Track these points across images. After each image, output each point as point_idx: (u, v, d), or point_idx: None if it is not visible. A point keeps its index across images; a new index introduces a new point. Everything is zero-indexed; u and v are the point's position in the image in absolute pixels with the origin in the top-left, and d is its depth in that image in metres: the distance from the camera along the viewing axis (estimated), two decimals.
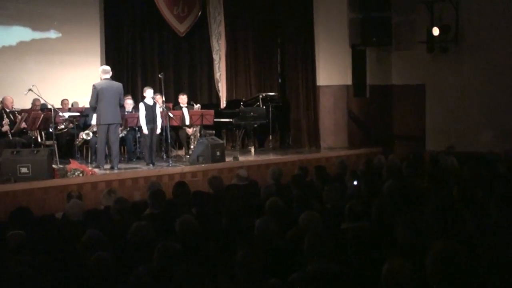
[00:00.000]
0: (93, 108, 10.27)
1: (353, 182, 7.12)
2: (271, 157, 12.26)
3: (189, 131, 12.15)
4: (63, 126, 11.43)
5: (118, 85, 10.37)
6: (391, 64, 14.37)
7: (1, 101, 10.52)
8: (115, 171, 10.07)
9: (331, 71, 13.66)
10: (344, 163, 8.99)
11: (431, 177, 7.45)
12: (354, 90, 13.88)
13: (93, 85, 10.09)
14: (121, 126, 11.40)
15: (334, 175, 8.42)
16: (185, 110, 12.22)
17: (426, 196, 6.31)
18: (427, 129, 13.74)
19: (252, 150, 13.08)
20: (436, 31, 12.95)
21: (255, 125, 13.26)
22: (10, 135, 9.97)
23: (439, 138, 13.11)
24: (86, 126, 11.29)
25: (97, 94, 9.97)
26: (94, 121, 10.69)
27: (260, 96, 13.63)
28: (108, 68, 10.47)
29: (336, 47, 13.57)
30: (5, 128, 9.93)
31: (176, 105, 12.78)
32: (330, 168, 8.96)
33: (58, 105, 11.79)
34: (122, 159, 11.55)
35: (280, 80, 14.74)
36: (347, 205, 5.50)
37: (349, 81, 13.73)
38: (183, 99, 12.54)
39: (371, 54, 14.08)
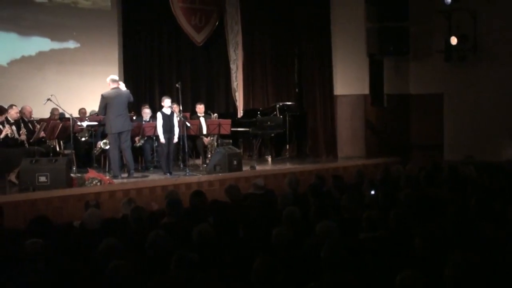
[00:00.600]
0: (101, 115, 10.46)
1: (370, 192, 7.09)
2: (288, 166, 12.26)
3: (206, 140, 12.18)
4: (87, 136, 11.53)
5: (126, 92, 10.50)
6: (409, 73, 14.34)
7: (20, 110, 10.61)
8: (132, 179, 10.13)
9: (349, 81, 13.66)
10: (362, 172, 8.97)
11: (450, 187, 7.41)
12: (372, 99, 13.87)
13: (102, 95, 10.27)
14: (138, 135, 11.49)
15: (352, 185, 8.39)
16: (202, 120, 12.26)
17: (444, 206, 6.27)
18: (445, 138, 13.69)
19: (269, 159, 13.07)
20: (454, 41, 12.92)
21: (272, 135, 13.26)
22: (27, 144, 10.03)
23: (458, 148, 13.04)
24: (104, 135, 11.36)
25: (106, 103, 10.11)
26: None
27: (277, 106, 13.62)
28: (116, 77, 10.66)
29: (353, 56, 13.58)
30: (23, 137, 10.00)
31: (194, 114, 12.83)
32: (347, 177, 8.93)
33: (76, 114, 11.84)
34: (140, 168, 11.62)
35: (297, 90, 14.74)
36: (365, 215, 5.47)
37: (366, 91, 13.72)
38: (200, 108, 12.60)
39: (388, 64, 14.06)
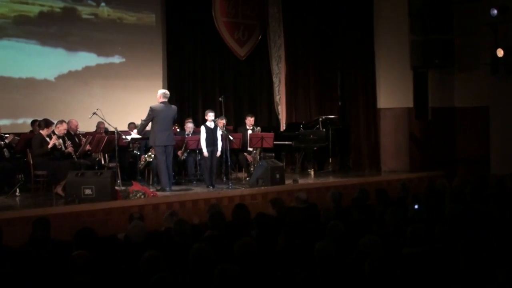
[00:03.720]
0: (143, 128, 10.55)
1: (414, 206, 7.00)
2: (331, 180, 12.19)
3: (249, 157, 12.18)
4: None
5: (174, 108, 10.66)
6: (454, 86, 14.14)
7: (67, 124, 10.80)
8: (176, 192, 10.18)
9: (392, 94, 13.54)
10: (406, 186, 8.85)
11: (496, 201, 7.26)
12: (416, 112, 13.69)
13: (151, 107, 10.35)
14: (181, 149, 11.59)
15: (396, 199, 8.30)
16: (249, 132, 12.31)
17: (491, 221, 6.15)
18: (492, 152, 13.42)
19: (312, 173, 13.02)
20: (500, 53, 12.70)
21: (315, 148, 13.21)
22: (75, 157, 10.21)
23: (504, 161, 12.77)
24: (148, 148, 11.49)
25: (153, 116, 10.23)
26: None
27: (320, 119, 13.60)
28: (168, 93, 10.73)
29: (397, 69, 13.46)
30: (70, 149, 10.18)
31: (240, 126, 12.90)
32: (391, 191, 8.83)
33: (120, 127, 11.82)
34: (183, 181, 11.69)
35: (340, 103, 14.68)
36: (409, 229, 5.40)
37: (410, 104, 13.57)
38: (250, 120, 12.65)
39: (433, 76, 13.89)
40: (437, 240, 5.29)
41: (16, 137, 10.84)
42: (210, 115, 10.94)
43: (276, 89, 15.50)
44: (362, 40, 13.90)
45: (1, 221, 7.51)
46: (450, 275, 4.45)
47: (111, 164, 11.13)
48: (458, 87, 14.09)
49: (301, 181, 11.63)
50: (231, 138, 11.19)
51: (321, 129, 13.38)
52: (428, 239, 5.33)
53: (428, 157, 13.71)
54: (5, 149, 10.63)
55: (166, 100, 10.47)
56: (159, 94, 10.49)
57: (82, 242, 5.48)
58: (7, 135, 10.94)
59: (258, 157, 12.15)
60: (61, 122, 10.36)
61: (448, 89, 14.09)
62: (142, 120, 10.66)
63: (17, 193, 9.89)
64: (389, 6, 13.45)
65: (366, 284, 4.25)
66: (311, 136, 13.19)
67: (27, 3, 12.98)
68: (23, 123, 12.66)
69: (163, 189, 10.25)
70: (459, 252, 4.54)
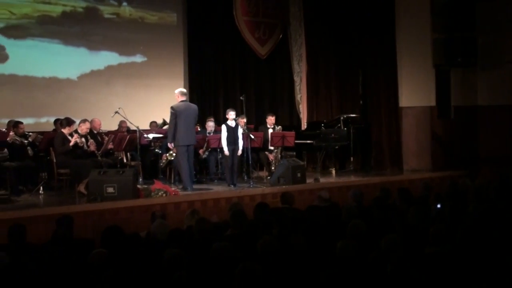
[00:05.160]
0: (172, 132, 10.27)
1: (437, 205, 6.95)
2: (353, 179, 12.14)
3: (270, 156, 12.17)
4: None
5: (194, 107, 10.61)
6: (477, 84, 14.01)
7: (90, 123, 10.87)
8: (190, 191, 10.13)
9: (414, 92, 13.43)
10: (428, 185, 8.80)
11: None
12: (438, 111, 13.59)
13: (172, 107, 10.28)
14: (203, 148, 11.61)
15: (418, 198, 8.25)
16: (270, 131, 12.30)
17: None
18: None
19: (333, 171, 12.99)
20: None
21: (336, 147, 13.17)
22: (98, 156, 10.27)
23: None
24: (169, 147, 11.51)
25: (176, 116, 10.17)
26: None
27: (341, 118, 13.54)
28: (185, 90, 10.73)
29: (419, 67, 13.34)
30: (92, 147, 10.23)
31: (261, 125, 12.89)
32: (413, 190, 8.78)
33: (142, 126, 11.78)
34: (204, 180, 11.71)
35: (361, 102, 14.60)
36: (431, 229, 5.37)
37: (432, 102, 13.45)
38: (271, 119, 12.61)
39: (455, 75, 13.77)
40: (460, 240, 5.25)
41: (39, 136, 10.94)
42: (231, 114, 10.93)
43: (297, 88, 15.48)
44: (383, 38, 13.82)
45: (25, 219, 7.58)
46: (473, 275, 4.42)
47: (133, 163, 11.19)
48: (481, 85, 13.96)
49: (322, 180, 11.60)
50: (252, 136, 11.19)
51: (342, 128, 13.33)
52: (451, 239, 5.30)
53: (450, 156, 13.60)
54: (28, 148, 10.73)
55: (185, 98, 10.46)
56: (177, 93, 10.45)
57: (109, 240, 5.53)
58: (30, 134, 11.05)
59: (279, 156, 12.14)
60: (84, 121, 10.45)
61: (471, 87, 13.97)
62: (163, 119, 10.64)
63: (40, 191, 9.96)
64: (411, 4, 13.34)
65: (388, 284, 4.24)
66: (332, 135, 13.14)
67: (50, 3, 13.10)
68: (46, 121, 12.78)
69: (184, 188, 10.26)
70: (482, 252, 4.51)
